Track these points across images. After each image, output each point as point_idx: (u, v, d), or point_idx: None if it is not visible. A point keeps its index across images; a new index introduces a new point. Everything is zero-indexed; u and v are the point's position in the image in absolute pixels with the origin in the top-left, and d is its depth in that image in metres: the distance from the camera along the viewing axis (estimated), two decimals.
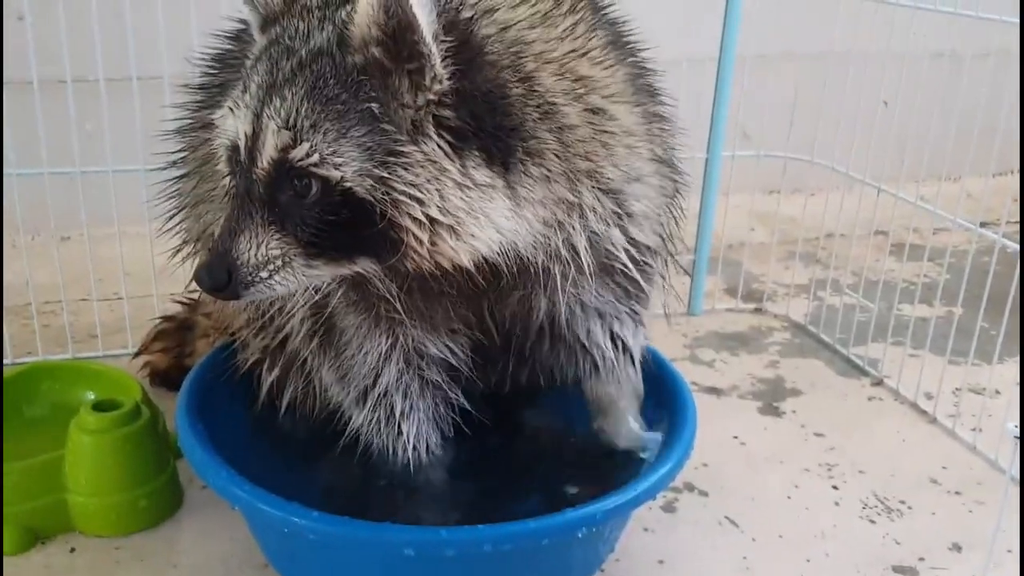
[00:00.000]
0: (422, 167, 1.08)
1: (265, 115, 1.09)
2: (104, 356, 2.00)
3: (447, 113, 1.08)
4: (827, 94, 2.22)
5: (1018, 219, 2.05)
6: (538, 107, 1.13)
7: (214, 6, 1.55)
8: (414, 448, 1.37)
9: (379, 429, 1.37)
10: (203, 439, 1.32)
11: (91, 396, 1.69)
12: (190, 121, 1.50)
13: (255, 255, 1.10)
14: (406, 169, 1.08)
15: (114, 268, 2.03)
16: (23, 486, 1.45)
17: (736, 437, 1.85)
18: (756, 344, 2.26)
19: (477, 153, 1.10)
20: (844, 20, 2.18)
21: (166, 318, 1.94)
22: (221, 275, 1.10)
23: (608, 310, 1.38)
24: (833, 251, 2.58)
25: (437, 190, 1.09)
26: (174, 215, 1.56)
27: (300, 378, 1.43)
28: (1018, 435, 1.08)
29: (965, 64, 1.99)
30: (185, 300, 1.91)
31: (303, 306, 1.30)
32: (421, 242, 1.10)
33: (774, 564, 1.51)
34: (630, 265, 1.29)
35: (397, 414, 1.35)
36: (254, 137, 1.10)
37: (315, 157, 1.07)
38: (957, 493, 1.71)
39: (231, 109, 1.14)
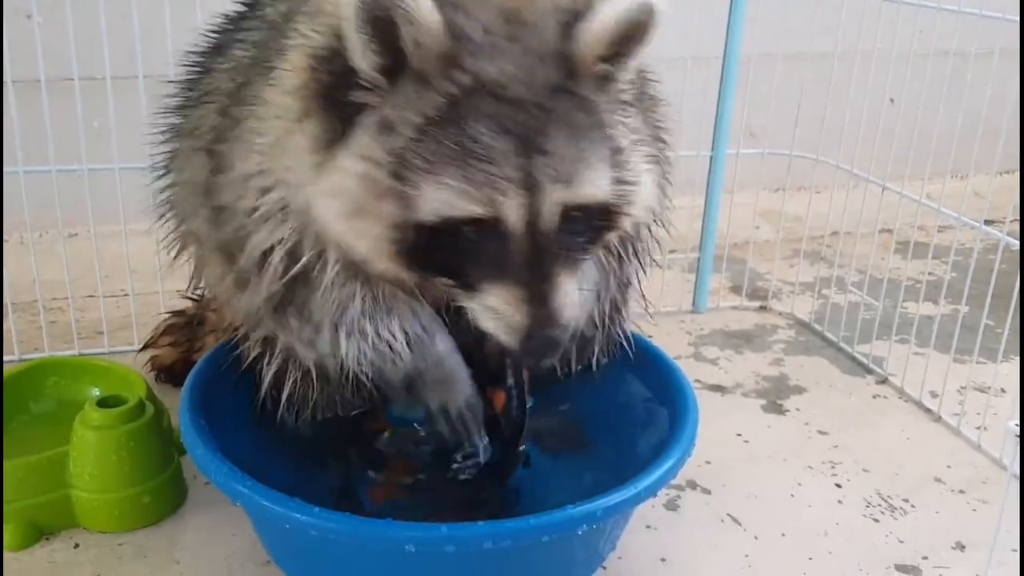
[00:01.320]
0: (629, 153, 1.14)
1: (538, 175, 1.04)
2: (110, 353, 2.01)
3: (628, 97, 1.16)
4: (832, 92, 2.22)
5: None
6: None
7: (220, 5, 1.56)
8: (407, 346, 1.32)
9: (360, 354, 1.31)
10: (205, 434, 1.33)
11: (96, 392, 1.70)
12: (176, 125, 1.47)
13: (569, 304, 1.11)
14: (628, 161, 1.14)
15: (120, 265, 2.04)
16: (28, 482, 1.46)
17: (739, 435, 1.85)
18: (760, 342, 2.26)
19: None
20: (849, 18, 2.18)
21: (175, 313, 1.95)
22: (564, 340, 1.11)
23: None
24: (838, 249, 2.58)
25: (639, 168, 1.16)
26: (170, 223, 1.54)
27: (298, 368, 1.43)
28: (1019, 434, 1.08)
29: (970, 61, 1.99)
30: (194, 296, 1.92)
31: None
32: (631, 216, 1.17)
33: (776, 562, 1.50)
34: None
35: (371, 333, 1.29)
36: (533, 206, 1.05)
37: (589, 194, 1.09)
38: (961, 492, 1.70)
39: (466, 182, 1.03)
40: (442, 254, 1.08)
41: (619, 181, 1.12)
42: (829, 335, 2.26)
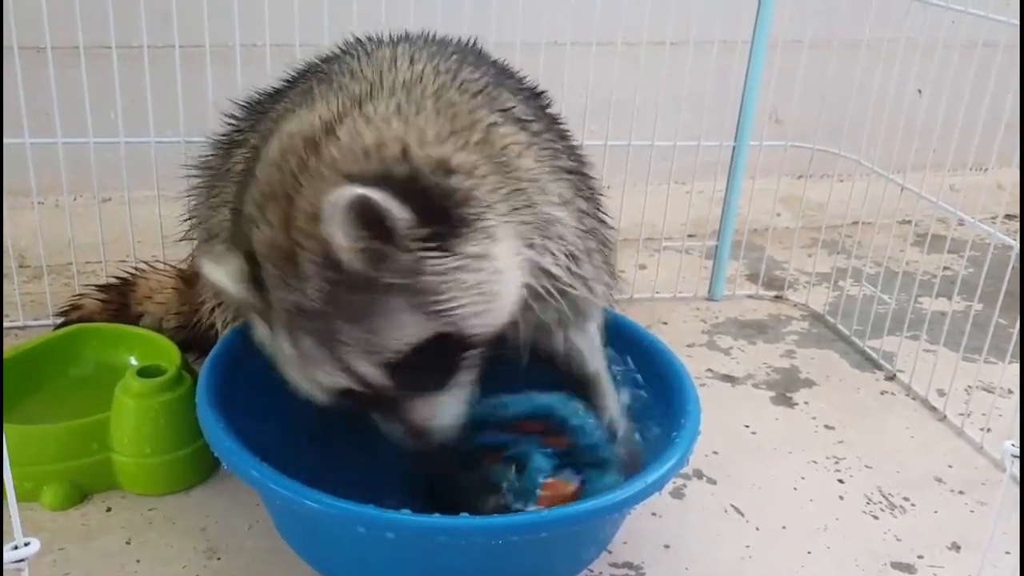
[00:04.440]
0: (445, 291, 1.19)
1: (308, 373, 1.24)
2: None
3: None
4: (858, 82, 2.22)
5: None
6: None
7: None
8: None
9: None
10: (217, 412, 1.38)
11: (132, 359, 1.78)
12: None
13: (432, 422, 1.29)
14: (435, 303, 1.19)
15: (154, 230, 2.09)
16: (71, 445, 1.53)
17: (747, 426, 1.91)
18: (774, 333, 2.30)
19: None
20: (878, 8, 2.18)
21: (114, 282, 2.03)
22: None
23: None
24: (857, 239, 2.60)
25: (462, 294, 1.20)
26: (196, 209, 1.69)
27: None
28: (1016, 454, 1.12)
29: (998, 52, 1.99)
30: (134, 269, 2.02)
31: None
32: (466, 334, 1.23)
33: (776, 554, 1.56)
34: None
35: None
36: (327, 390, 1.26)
37: (339, 381, 1.25)
38: (960, 492, 1.75)
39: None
40: None
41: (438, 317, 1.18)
42: (842, 328, 2.30)
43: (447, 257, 1.16)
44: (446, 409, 1.28)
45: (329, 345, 1.20)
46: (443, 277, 1.16)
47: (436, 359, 1.22)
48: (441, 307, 1.17)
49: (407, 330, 1.18)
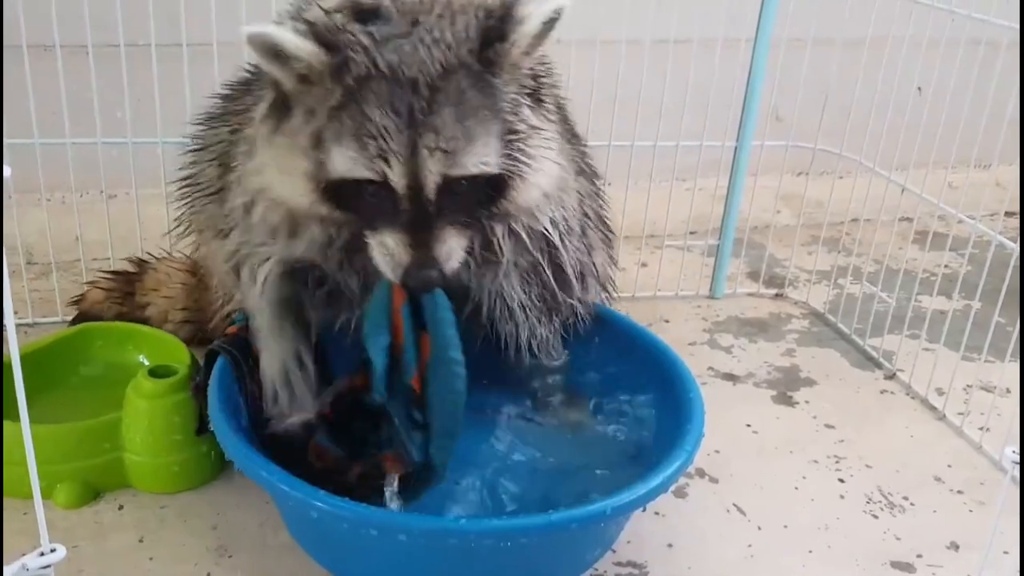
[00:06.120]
0: (526, 136, 1.33)
1: (422, 151, 1.25)
2: None
3: (530, 85, 1.35)
4: (860, 80, 2.24)
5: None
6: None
7: None
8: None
9: None
10: (228, 415, 1.41)
11: (142, 358, 1.80)
12: (221, 110, 1.66)
13: (448, 252, 1.31)
14: (521, 140, 1.33)
15: (159, 228, 2.10)
16: (84, 444, 1.56)
17: (749, 425, 1.93)
18: (775, 331, 2.32)
19: (545, 113, 1.39)
20: (880, 7, 2.19)
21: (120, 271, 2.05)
22: (438, 278, 1.30)
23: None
24: (857, 237, 2.62)
25: (535, 150, 1.35)
26: (192, 196, 1.71)
27: None
28: (1017, 460, 1.14)
29: (1001, 51, 2.00)
30: (140, 258, 2.04)
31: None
32: (523, 192, 1.36)
33: (777, 553, 1.59)
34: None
35: None
36: (413, 173, 1.26)
37: (473, 166, 1.28)
38: (959, 492, 1.77)
39: (360, 152, 1.26)
40: (350, 201, 1.33)
41: (509, 157, 1.30)
42: (842, 327, 2.32)
43: (534, 112, 1.34)
44: (457, 249, 1.32)
45: (420, 128, 1.24)
46: (530, 123, 1.33)
47: (480, 194, 1.32)
48: (514, 147, 1.31)
49: (490, 149, 1.28)
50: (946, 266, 2.50)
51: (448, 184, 1.28)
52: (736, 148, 2.33)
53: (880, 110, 2.19)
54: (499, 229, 1.45)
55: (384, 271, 1.32)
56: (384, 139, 1.24)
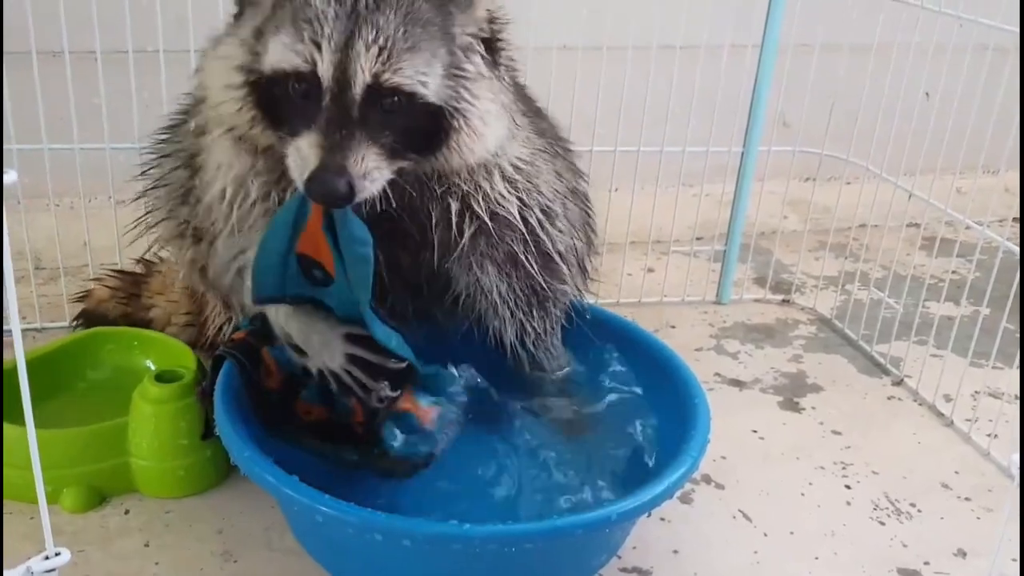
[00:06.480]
0: (474, 80, 1.32)
1: (358, 43, 1.21)
2: None
3: (484, 34, 1.34)
4: (867, 86, 2.23)
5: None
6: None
7: None
8: None
9: None
10: (234, 420, 1.42)
11: (149, 363, 1.81)
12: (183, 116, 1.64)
13: (363, 167, 1.23)
14: (468, 81, 1.31)
15: None
16: (91, 449, 1.56)
17: (755, 431, 1.92)
18: (782, 337, 2.31)
19: (498, 74, 1.38)
20: (888, 12, 2.19)
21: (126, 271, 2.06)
22: (344, 188, 1.21)
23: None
24: (864, 243, 2.61)
25: (482, 97, 1.33)
26: (160, 200, 1.72)
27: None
28: (1020, 464, 1.13)
29: (1009, 56, 1.99)
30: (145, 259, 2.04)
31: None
32: (465, 140, 1.33)
33: (783, 560, 1.58)
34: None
35: None
36: (344, 65, 1.22)
37: (409, 79, 1.24)
38: (967, 499, 1.76)
39: (295, 39, 1.23)
40: (277, 107, 1.28)
41: (452, 93, 1.29)
42: (849, 333, 2.31)
43: (488, 66, 1.34)
44: (375, 169, 1.26)
45: (360, 21, 1.22)
46: (480, 70, 1.33)
47: (414, 127, 1.28)
48: (459, 84, 1.29)
49: (431, 70, 1.26)
50: (954, 272, 2.49)
51: (379, 90, 1.23)
52: (743, 153, 2.33)
53: (887, 115, 2.19)
54: (453, 205, 1.41)
55: (292, 175, 1.26)
56: (320, 24, 1.21)
